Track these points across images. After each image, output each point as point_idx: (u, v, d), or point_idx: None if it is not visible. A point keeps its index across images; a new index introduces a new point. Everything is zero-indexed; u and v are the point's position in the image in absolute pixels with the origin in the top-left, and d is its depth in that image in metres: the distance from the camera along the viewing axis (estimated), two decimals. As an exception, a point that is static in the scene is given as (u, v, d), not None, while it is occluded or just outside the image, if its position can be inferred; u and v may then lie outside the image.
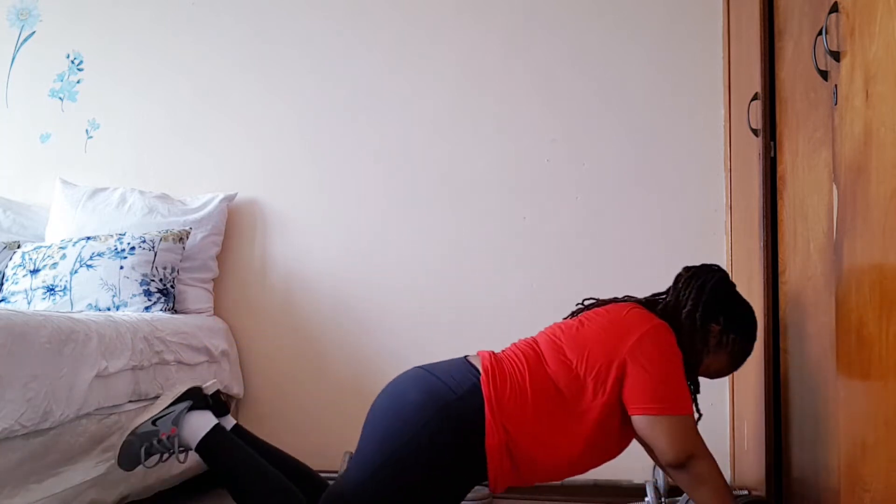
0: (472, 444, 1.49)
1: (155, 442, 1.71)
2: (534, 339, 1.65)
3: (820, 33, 1.36)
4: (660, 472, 2.19)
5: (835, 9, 1.31)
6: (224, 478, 1.70)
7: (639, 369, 1.49)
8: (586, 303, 1.74)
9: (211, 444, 1.71)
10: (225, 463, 1.71)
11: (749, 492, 2.06)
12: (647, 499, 2.11)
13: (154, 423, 1.72)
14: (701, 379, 1.72)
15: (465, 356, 1.64)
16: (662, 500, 2.11)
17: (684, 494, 2.05)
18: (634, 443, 1.60)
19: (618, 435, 1.56)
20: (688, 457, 1.48)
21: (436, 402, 1.50)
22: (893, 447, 1.07)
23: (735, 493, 2.07)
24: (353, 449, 2.37)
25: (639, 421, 1.49)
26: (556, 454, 1.53)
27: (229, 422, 1.85)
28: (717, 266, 1.70)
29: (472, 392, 1.51)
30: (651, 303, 1.68)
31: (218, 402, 1.83)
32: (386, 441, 1.51)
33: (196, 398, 1.76)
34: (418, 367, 1.62)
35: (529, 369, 1.54)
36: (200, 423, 1.72)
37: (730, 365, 1.69)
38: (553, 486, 2.45)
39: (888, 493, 1.09)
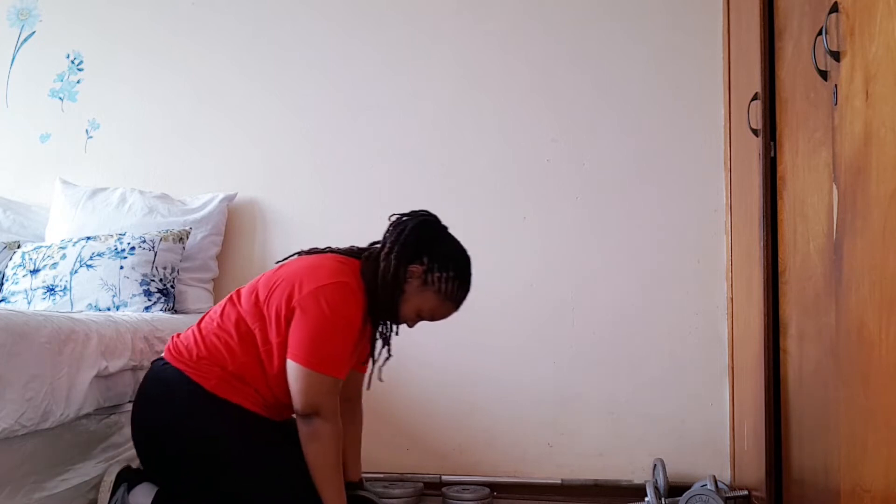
0: (203, 398, 1.58)
1: None
2: (237, 291, 1.74)
3: (820, 33, 1.36)
4: (660, 472, 2.19)
5: (835, 9, 1.31)
6: None
7: (302, 319, 1.57)
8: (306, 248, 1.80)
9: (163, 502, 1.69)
10: None
11: (749, 492, 2.06)
12: (647, 499, 2.11)
13: None
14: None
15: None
16: (662, 500, 2.11)
17: (685, 494, 2.05)
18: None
19: None
20: (313, 411, 1.57)
21: (153, 411, 1.64)
22: (893, 447, 1.07)
23: (735, 493, 2.08)
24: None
25: (288, 365, 1.58)
26: (270, 385, 1.62)
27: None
28: (426, 211, 1.75)
29: (164, 372, 1.64)
30: (358, 252, 1.74)
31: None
32: (186, 468, 1.61)
33: (129, 478, 1.73)
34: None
35: (217, 317, 1.66)
36: (144, 498, 1.69)
37: (443, 303, 1.71)
38: (553, 485, 2.46)
39: (888, 493, 1.09)
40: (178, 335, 1.73)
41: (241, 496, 1.58)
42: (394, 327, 1.77)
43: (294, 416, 1.62)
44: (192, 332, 1.69)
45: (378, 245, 1.73)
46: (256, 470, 1.58)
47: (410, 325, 1.75)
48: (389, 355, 1.76)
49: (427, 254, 1.68)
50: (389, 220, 1.75)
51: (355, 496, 1.75)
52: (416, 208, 1.77)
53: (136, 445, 1.69)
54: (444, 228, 1.75)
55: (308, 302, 1.57)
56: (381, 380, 1.78)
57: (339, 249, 1.76)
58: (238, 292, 1.72)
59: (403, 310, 1.69)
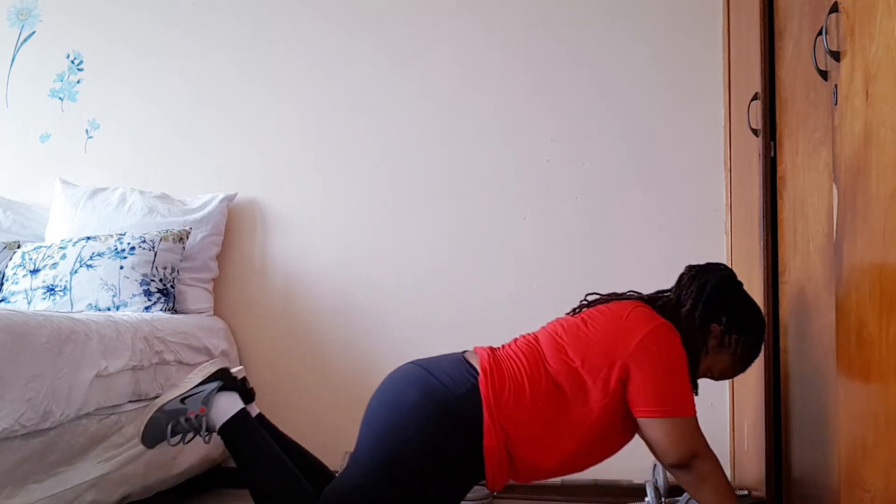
0: (470, 444, 1.48)
1: (182, 420, 1.67)
2: (534, 336, 1.63)
3: (820, 33, 1.36)
4: (660, 472, 2.19)
5: (835, 9, 1.31)
6: (242, 464, 1.68)
7: (642, 371, 1.49)
8: (589, 298, 1.71)
9: (235, 428, 1.68)
10: (245, 449, 1.68)
11: (749, 492, 2.06)
12: (647, 499, 2.11)
13: (183, 401, 1.68)
14: (701, 379, 1.71)
15: (463, 352, 1.63)
16: (662, 500, 2.11)
17: (684, 494, 2.05)
18: (634, 442, 1.60)
19: (619, 434, 1.56)
20: (691, 457, 1.49)
21: (434, 403, 1.50)
22: (893, 447, 1.07)
23: (735, 493, 2.07)
24: (353, 448, 2.37)
25: (643, 423, 1.50)
26: (555, 453, 1.53)
27: (254, 410, 1.83)
28: (723, 265, 1.68)
29: (471, 392, 1.50)
30: (653, 300, 1.66)
31: (245, 389, 1.80)
32: (384, 441, 1.51)
33: (226, 380, 1.72)
34: (414, 363, 1.61)
35: (529, 368, 1.53)
36: (227, 406, 1.69)
37: (734, 366, 1.66)
38: (553, 485, 2.45)
39: (888, 493, 1.09)
40: (495, 354, 1.58)
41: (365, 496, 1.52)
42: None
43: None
44: (508, 366, 1.54)
45: (666, 294, 1.66)
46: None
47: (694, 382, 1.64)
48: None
49: (726, 314, 1.60)
50: (688, 271, 1.67)
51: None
52: (713, 261, 1.69)
53: (391, 389, 1.58)
54: (741, 285, 1.68)
55: (638, 353, 1.49)
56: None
57: (629, 295, 1.68)
58: (538, 340, 1.60)
59: (699, 370, 1.63)
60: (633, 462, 2.43)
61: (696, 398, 1.64)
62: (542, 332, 1.65)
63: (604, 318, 1.58)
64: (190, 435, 1.69)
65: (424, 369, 1.57)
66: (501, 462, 1.50)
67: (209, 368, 1.73)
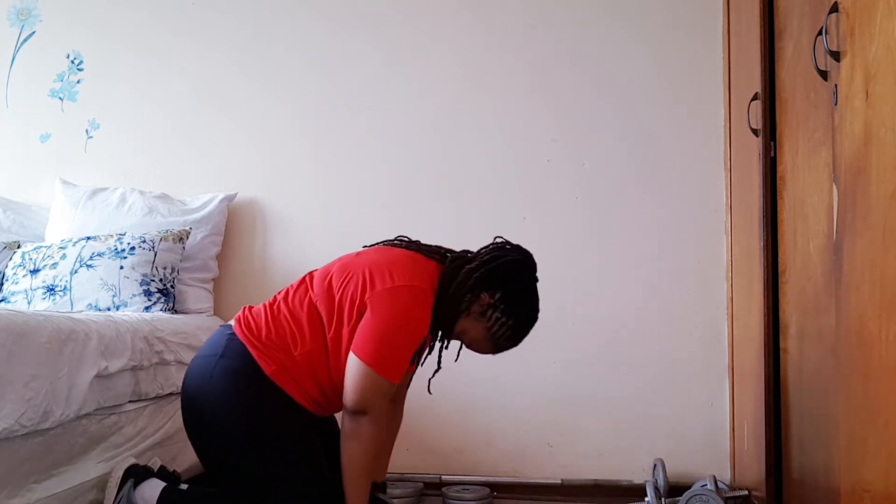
0: (259, 381, 1.57)
1: None
2: (317, 270, 1.72)
3: (820, 33, 1.36)
4: (660, 473, 2.19)
5: (835, 9, 1.31)
6: None
7: (372, 316, 1.56)
8: (395, 242, 1.78)
9: (168, 500, 1.69)
10: None
11: (749, 492, 2.06)
12: (647, 499, 2.11)
13: None
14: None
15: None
16: (662, 500, 2.11)
17: (685, 494, 2.05)
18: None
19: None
20: (362, 409, 1.55)
21: (207, 377, 1.60)
22: (893, 447, 1.07)
23: (735, 493, 2.08)
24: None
25: (350, 357, 1.57)
26: (331, 374, 1.61)
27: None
28: (529, 255, 1.72)
29: (230, 344, 1.62)
30: (449, 251, 1.73)
31: (166, 476, 1.80)
32: (213, 439, 1.62)
33: (136, 474, 1.73)
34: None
35: (289, 299, 1.65)
36: (150, 492, 1.69)
37: (486, 341, 1.69)
38: (553, 485, 2.46)
39: (888, 494, 1.09)
40: (251, 308, 1.70)
41: (256, 481, 1.58)
42: (445, 341, 1.75)
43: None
44: (265, 308, 1.67)
45: (468, 254, 1.71)
46: (279, 459, 1.58)
47: (439, 334, 1.73)
48: (439, 367, 1.74)
49: (502, 290, 1.64)
50: (495, 239, 1.73)
51: (373, 498, 1.75)
52: (516, 243, 1.74)
53: (183, 397, 1.68)
54: (536, 279, 1.71)
55: (381, 299, 1.56)
56: (429, 392, 1.77)
57: (424, 247, 1.74)
58: (311, 275, 1.71)
59: (456, 326, 1.67)
60: (633, 462, 2.44)
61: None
62: (325, 266, 1.73)
63: (377, 257, 1.66)
64: None
65: (193, 359, 1.69)
66: (292, 384, 1.59)
67: (117, 474, 1.72)
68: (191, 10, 2.87)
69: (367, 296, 1.57)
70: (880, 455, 1.12)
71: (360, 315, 1.58)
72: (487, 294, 1.64)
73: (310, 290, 1.66)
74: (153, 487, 1.69)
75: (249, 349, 1.60)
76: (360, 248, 1.75)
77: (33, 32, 2.98)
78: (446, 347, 1.75)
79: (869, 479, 1.17)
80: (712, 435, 2.42)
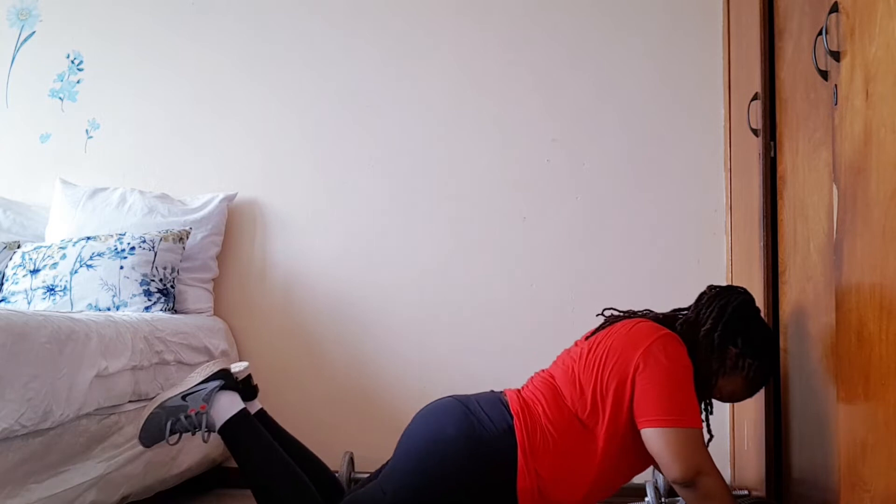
0: (504, 484, 1.50)
1: (182, 417, 1.68)
2: (549, 374, 1.65)
3: (820, 33, 1.36)
4: (659, 473, 2.18)
5: (835, 9, 1.31)
6: (242, 464, 1.69)
7: (646, 380, 1.49)
8: (606, 314, 1.71)
9: (235, 428, 1.69)
10: (245, 449, 1.69)
11: (749, 492, 2.06)
12: (647, 499, 2.11)
13: (184, 398, 1.69)
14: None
15: (493, 391, 1.65)
16: (662, 500, 2.11)
17: (684, 494, 2.04)
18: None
19: (633, 455, 1.56)
20: (695, 473, 1.45)
21: (472, 439, 1.52)
22: (893, 447, 1.07)
23: (735, 493, 2.07)
24: (352, 448, 2.37)
25: (647, 435, 1.48)
26: (580, 487, 1.54)
27: (255, 406, 1.84)
28: (743, 289, 1.68)
29: (507, 433, 1.52)
30: (670, 318, 1.66)
31: (248, 387, 1.80)
32: (420, 468, 1.53)
33: (227, 379, 1.73)
34: (454, 397, 1.63)
35: (551, 407, 1.55)
36: (228, 405, 1.69)
37: (744, 389, 1.66)
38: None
39: (888, 493, 1.09)
40: (532, 394, 1.59)
41: None
42: (709, 405, 1.69)
43: None
44: (544, 409, 1.55)
45: (685, 313, 1.67)
46: None
47: (703, 400, 1.65)
48: (710, 436, 1.65)
49: (743, 337, 1.60)
50: (709, 291, 1.67)
51: None
52: (733, 284, 1.70)
53: (421, 429, 1.59)
54: (758, 311, 1.68)
55: (643, 364, 1.49)
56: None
57: (645, 314, 1.68)
58: (553, 378, 1.61)
59: (714, 390, 1.63)
60: (633, 462, 2.44)
61: (708, 420, 1.64)
62: (555, 367, 1.66)
63: (609, 340, 1.58)
64: (189, 433, 1.70)
65: (463, 405, 1.59)
66: (534, 502, 1.52)
67: (211, 368, 1.73)
68: (191, 10, 2.87)
69: (631, 378, 1.50)
70: (880, 455, 1.12)
71: (620, 396, 1.50)
72: (733, 347, 1.60)
73: (562, 398, 1.56)
74: (233, 402, 1.69)
75: (520, 455, 1.50)
76: (594, 332, 1.66)
77: (33, 32, 2.98)
78: (711, 413, 1.69)
79: (869, 478, 1.17)
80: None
